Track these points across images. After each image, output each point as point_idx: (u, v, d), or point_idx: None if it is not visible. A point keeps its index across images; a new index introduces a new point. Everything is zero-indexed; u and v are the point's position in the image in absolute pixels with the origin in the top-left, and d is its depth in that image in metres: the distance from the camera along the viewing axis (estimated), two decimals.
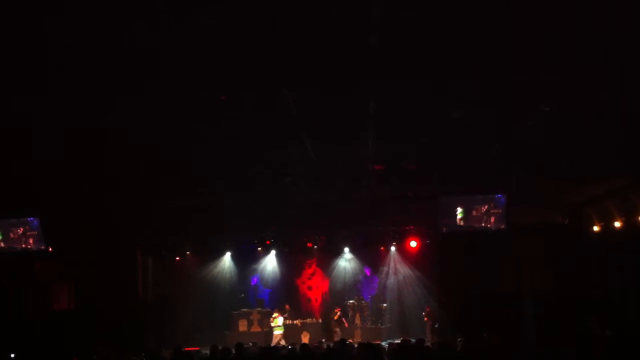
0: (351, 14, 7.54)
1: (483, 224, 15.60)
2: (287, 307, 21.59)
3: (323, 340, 19.65)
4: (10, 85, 9.15)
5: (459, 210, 15.77)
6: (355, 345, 13.55)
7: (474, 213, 15.77)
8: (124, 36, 7.89)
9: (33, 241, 16.58)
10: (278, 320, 19.87)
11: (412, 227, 20.25)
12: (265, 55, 8.46)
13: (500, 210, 15.37)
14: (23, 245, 16.54)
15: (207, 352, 11.89)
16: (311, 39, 8.09)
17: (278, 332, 19.68)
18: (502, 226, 15.47)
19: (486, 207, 15.53)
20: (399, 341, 13.54)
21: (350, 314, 21.52)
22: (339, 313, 20.71)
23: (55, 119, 10.41)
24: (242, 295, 22.54)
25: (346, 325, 20.65)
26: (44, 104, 9.87)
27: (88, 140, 11.55)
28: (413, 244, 21.43)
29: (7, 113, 10.10)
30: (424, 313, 20.57)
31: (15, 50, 8.20)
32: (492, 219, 15.45)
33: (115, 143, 11.77)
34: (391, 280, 22.35)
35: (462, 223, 15.82)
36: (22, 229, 16.61)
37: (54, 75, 8.97)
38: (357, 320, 21.27)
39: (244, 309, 21.67)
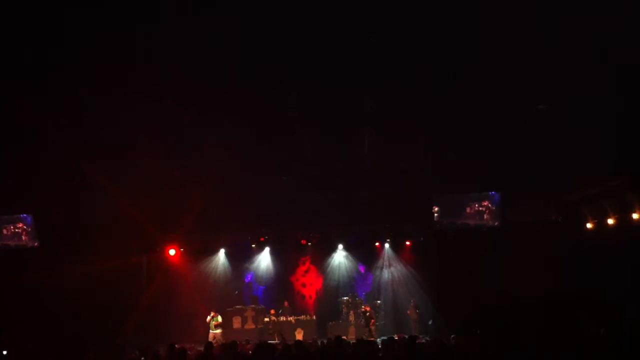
0: (352, 13, 7.56)
1: (477, 221, 15.64)
2: (285, 304, 21.65)
3: (315, 337, 19.71)
4: (9, 84, 9.13)
5: (436, 209, 15.85)
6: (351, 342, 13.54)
7: (468, 210, 15.82)
8: (123, 34, 7.88)
9: (26, 238, 16.53)
10: (218, 319, 19.66)
11: (406, 224, 20.30)
12: (265, 53, 8.46)
13: (494, 208, 15.41)
14: (16, 243, 16.49)
15: (201, 348, 11.89)
16: (312, 37, 8.10)
17: (216, 331, 19.35)
18: (496, 223, 15.52)
19: (480, 204, 15.57)
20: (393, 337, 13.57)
21: (344, 311, 21.56)
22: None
23: (52, 117, 10.39)
24: (236, 292, 22.55)
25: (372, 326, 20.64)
26: (43, 103, 9.85)
27: (85, 139, 11.54)
28: (407, 241, 21.54)
29: (7, 112, 10.08)
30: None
31: (15, 49, 8.18)
32: (486, 217, 15.50)
33: (111, 141, 11.75)
34: (385, 277, 22.40)
35: (439, 219, 15.86)
36: (14, 226, 16.55)
37: (53, 74, 8.96)
38: (351, 318, 21.29)
39: (238, 306, 21.66)
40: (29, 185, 14.34)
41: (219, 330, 19.38)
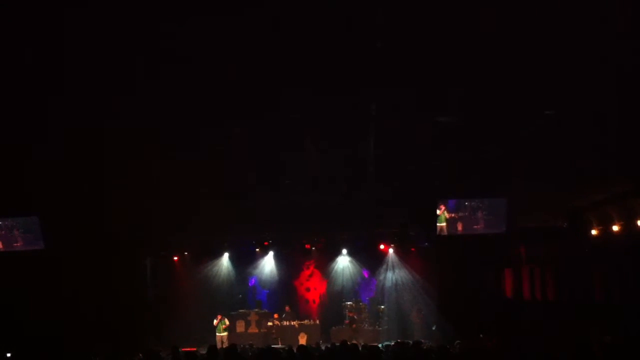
0: (353, 15, 7.55)
1: (483, 227, 15.58)
2: (287, 308, 21.64)
3: (320, 341, 19.70)
4: (10, 84, 9.13)
5: (440, 211, 15.73)
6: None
7: (472, 216, 15.75)
8: (124, 32, 7.86)
9: (28, 241, 16.50)
10: (225, 322, 19.88)
11: (410, 229, 20.30)
12: (266, 56, 8.45)
13: (500, 214, 15.35)
14: (21, 245, 16.49)
15: (205, 352, 11.89)
16: (312, 38, 8.08)
17: (223, 334, 19.67)
18: (503, 230, 15.46)
19: (485, 210, 15.52)
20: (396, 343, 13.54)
21: (348, 315, 21.55)
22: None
23: (55, 118, 10.40)
24: (240, 296, 22.59)
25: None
26: (45, 103, 9.86)
27: (88, 139, 11.53)
28: (411, 246, 21.53)
29: (7, 113, 10.09)
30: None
31: (15, 49, 8.18)
32: (492, 223, 15.43)
33: (116, 143, 11.75)
34: (389, 282, 22.39)
35: (446, 225, 15.74)
36: (16, 229, 16.55)
37: (55, 74, 8.96)
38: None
39: (241, 310, 21.68)
40: (35, 187, 14.36)
41: (225, 333, 19.52)
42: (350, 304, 21.73)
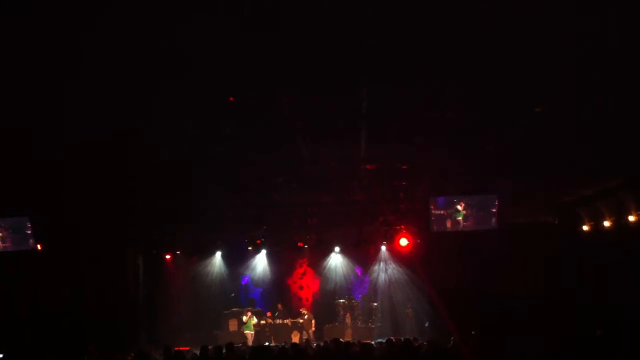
0: (347, 14, 7.55)
1: (472, 224, 15.60)
2: (279, 306, 21.63)
3: (313, 339, 19.71)
4: (8, 85, 9.11)
5: (460, 208, 15.70)
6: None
7: (466, 212, 15.78)
8: (123, 37, 7.86)
9: (17, 241, 16.39)
10: (254, 319, 20.26)
11: (403, 226, 20.29)
12: (261, 56, 8.45)
13: (489, 211, 15.38)
14: (5, 245, 16.38)
15: (198, 352, 11.87)
16: (306, 38, 8.09)
17: (252, 331, 20.22)
18: (493, 226, 15.49)
19: (475, 207, 15.54)
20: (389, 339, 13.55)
21: (341, 313, 21.57)
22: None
23: (50, 119, 10.38)
24: (233, 294, 22.53)
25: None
26: (42, 105, 9.84)
27: (82, 140, 11.51)
28: (404, 242, 21.51)
29: (6, 113, 10.07)
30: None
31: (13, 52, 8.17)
32: (481, 219, 15.46)
33: (109, 143, 11.73)
34: (382, 279, 22.39)
35: (463, 222, 15.72)
36: (4, 229, 16.46)
37: (53, 77, 8.94)
38: (348, 320, 21.30)
39: (234, 309, 21.65)
40: (26, 187, 14.30)
41: (253, 331, 20.17)
42: (343, 302, 21.75)
